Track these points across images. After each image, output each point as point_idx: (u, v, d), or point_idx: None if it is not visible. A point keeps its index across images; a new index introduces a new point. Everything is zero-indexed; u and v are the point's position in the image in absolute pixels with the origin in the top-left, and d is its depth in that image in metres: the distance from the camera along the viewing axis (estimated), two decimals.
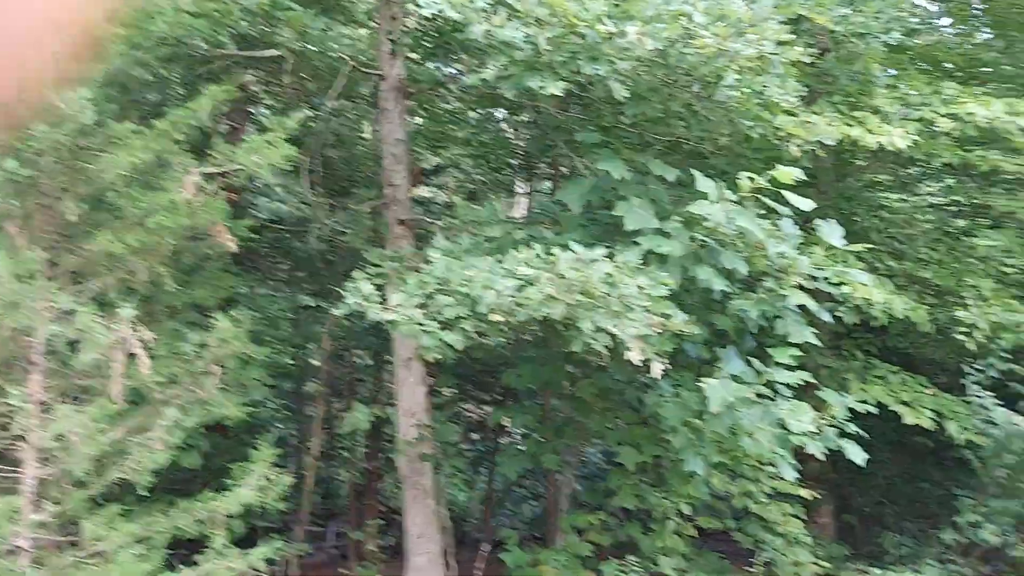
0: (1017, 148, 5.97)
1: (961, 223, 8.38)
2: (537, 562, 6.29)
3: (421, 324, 4.06)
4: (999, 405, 6.15)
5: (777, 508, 6.37)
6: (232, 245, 4.59)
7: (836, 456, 8.88)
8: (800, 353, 4.58)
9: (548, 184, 9.81)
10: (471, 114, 8.94)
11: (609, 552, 6.42)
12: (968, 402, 6.36)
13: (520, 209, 11.10)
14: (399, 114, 6.27)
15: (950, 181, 9.13)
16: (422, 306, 4.14)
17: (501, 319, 3.88)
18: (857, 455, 5.09)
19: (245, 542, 4.71)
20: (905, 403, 6.54)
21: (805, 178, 7.61)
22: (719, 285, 4.21)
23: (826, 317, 4.75)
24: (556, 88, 3.91)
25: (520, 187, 10.85)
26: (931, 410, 6.47)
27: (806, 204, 4.22)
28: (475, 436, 11.54)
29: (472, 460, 11.19)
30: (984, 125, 5.14)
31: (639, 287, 3.63)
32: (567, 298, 3.65)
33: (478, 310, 3.96)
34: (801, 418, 4.55)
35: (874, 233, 7.28)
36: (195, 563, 4.38)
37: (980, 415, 6.21)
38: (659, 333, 4.30)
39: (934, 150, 6.43)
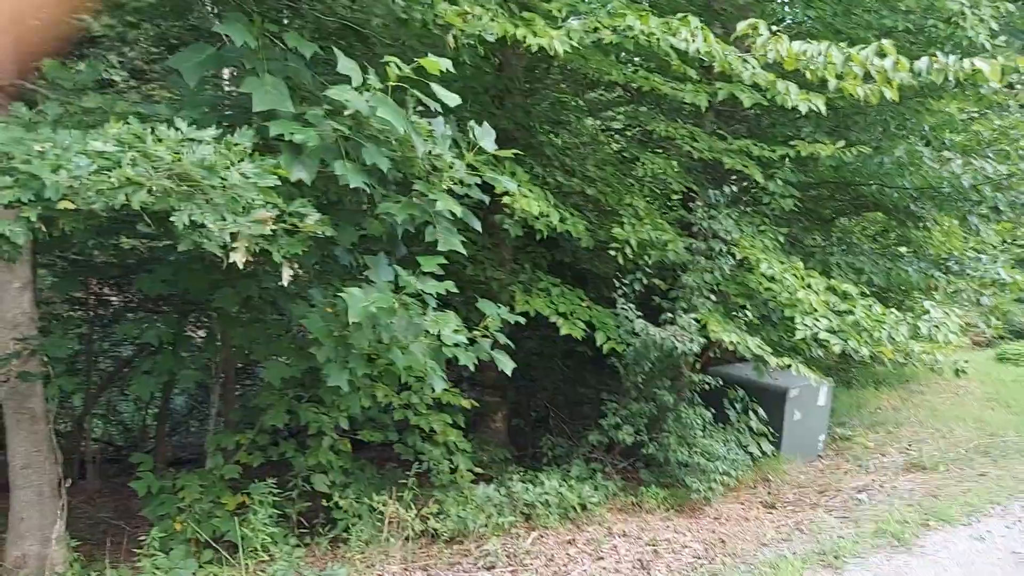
0: (675, 71, 6.27)
1: (635, 147, 8.88)
2: (178, 488, 5.67)
3: None
4: (640, 317, 6.60)
5: (438, 419, 6.35)
6: None
7: (518, 365, 9.27)
8: (445, 262, 4.34)
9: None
10: None
11: (264, 472, 6.00)
12: (617, 314, 6.76)
13: None
14: None
15: (629, 108, 9.70)
16: None
17: (72, 206, 3.10)
18: (507, 365, 5.08)
19: None
20: (563, 315, 6.82)
21: (496, 89, 7.65)
22: (356, 182, 3.77)
23: (476, 225, 4.58)
24: None
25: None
26: (584, 321, 6.82)
27: (452, 99, 3.91)
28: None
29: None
30: (643, 42, 5.22)
31: (242, 175, 3.06)
32: (154, 184, 2.98)
33: (45, 195, 3.13)
34: (448, 328, 4.37)
35: (549, 148, 7.39)
36: None
37: (625, 326, 6.63)
38: (290, 234, 3.82)
39: (603, 67, 6.58)
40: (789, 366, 6.53)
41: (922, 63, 4.39)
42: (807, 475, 7.47)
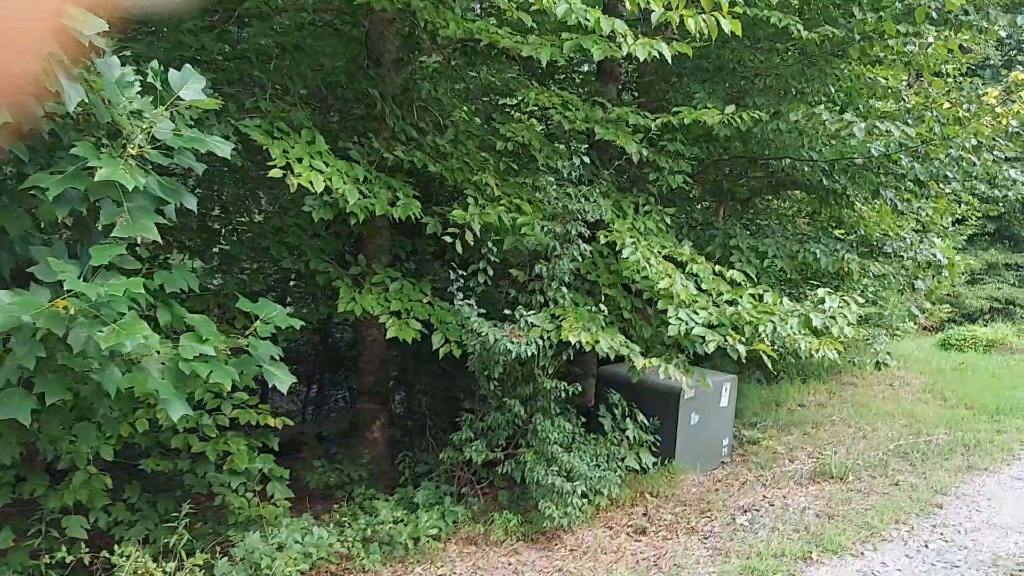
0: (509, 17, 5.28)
1: (497, 116, 7.89)
2: None
3: None
4: (481, 315, 5.59)
5: (235, 442, 5.30)
6: None
7: (396, 368, 8.22)
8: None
9: None
10: None
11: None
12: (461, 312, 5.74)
13: None
14: None
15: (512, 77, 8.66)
16: None
17: None
18: (283, 381, 4.03)
19: None
20: (396, 313, 5.79)
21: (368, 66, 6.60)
22: None
23: (190, 203, 3.51)
24: None
25: None
26: (422, 321, 5.80)
27: (95, 24, 2.84)
28: None
29: None
30: None
31: None
32: None
33: None
34: (136, 339, 3.29)
35: (392, 119, 6.33)
36: None
37: (468, 326, 5.62)
38: None
39: (440, 20, 5.55)
40: (658, 365, 5.57)
41: None
42: (699, 489, 6.53)
